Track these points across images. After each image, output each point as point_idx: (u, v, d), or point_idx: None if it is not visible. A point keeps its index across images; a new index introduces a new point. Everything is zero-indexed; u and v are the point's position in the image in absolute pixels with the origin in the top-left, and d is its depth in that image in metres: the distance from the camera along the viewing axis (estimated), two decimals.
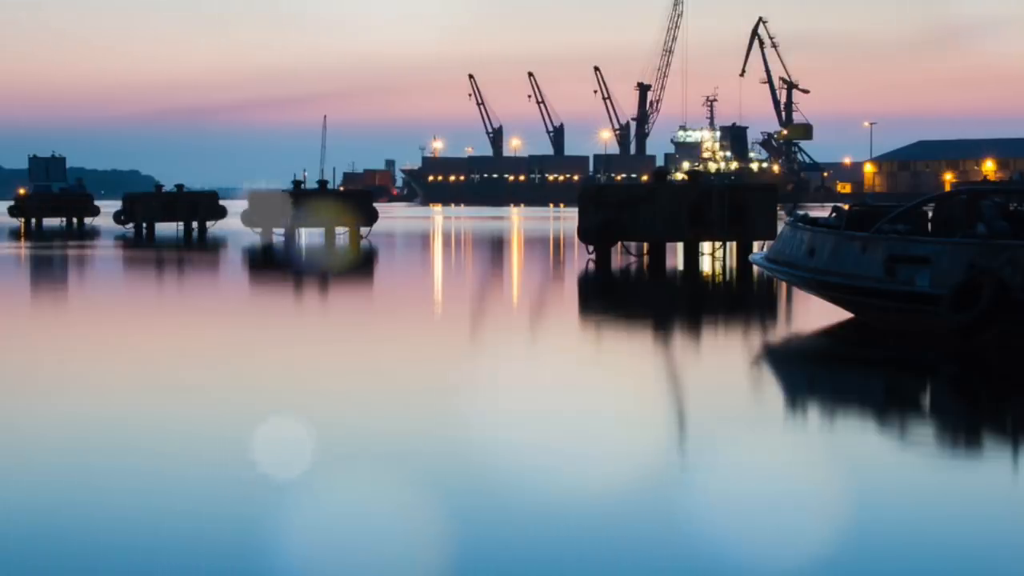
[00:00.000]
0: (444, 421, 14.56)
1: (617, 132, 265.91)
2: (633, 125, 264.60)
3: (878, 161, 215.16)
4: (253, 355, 20.67)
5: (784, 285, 31.57)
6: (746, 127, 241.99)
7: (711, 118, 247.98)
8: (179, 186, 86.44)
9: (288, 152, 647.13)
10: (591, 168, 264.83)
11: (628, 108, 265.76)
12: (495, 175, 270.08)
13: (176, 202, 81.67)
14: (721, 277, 40.73)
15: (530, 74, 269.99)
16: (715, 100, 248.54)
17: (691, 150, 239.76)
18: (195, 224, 79.49)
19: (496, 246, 63.64)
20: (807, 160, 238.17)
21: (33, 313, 29.46)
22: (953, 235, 22.97)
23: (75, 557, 9.26)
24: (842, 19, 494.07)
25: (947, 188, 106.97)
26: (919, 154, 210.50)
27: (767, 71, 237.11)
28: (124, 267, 47.43)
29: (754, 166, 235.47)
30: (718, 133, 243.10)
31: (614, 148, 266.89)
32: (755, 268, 35.03)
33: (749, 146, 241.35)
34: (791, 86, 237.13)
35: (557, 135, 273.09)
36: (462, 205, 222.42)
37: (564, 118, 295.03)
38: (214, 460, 12.39)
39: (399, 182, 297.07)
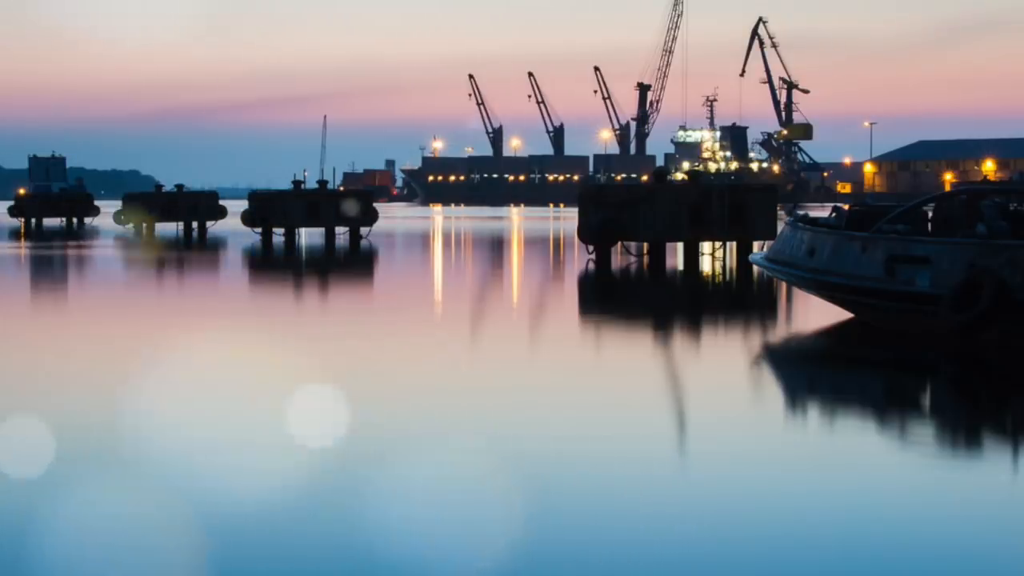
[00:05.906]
0: (444, 421, 14.56)
1: (617, 132, 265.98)
2: (633, 125, 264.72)
3: (878, 161, 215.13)
4: (252, 355, 20.67)
5: (784, 285, 31.57)
6: (746, 127, 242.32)
7: (711, 118, 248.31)
8: (179, 186, 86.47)
9: (288, 152, 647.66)
10: (591, 168, 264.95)
11: (628, 108, 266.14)
12: (495, 175, 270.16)
13: (176, 202, 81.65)
14: (721, 277, 40.72)
15: (530, 74, 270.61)
16: (715, 100, 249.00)
17: (691, 150, 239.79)
18: (195, 224, 79.47)
19: (496, 246, 63.62)
20: (807, 160, 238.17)
21: (33, 313, 29.44)
22: (953, 235, 22.96)
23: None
24: (842, 19, 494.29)
25: (947, 188, 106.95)
26: (919, 154, 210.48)
27: (767, 71, 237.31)
28: (124, 267, 47.41)
29: (754, 166, 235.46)
30: (718, 133, 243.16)
31: (614, 148, 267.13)
32: (755, 268, 35.03)
33: (749, 146, 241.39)
34: (791, 86, 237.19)
35: (557, 135, 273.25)
36: (462, 205, 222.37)
37: (564, 118, 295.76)
38: (214, 461, 12.40)
39: (399, 182, 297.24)
